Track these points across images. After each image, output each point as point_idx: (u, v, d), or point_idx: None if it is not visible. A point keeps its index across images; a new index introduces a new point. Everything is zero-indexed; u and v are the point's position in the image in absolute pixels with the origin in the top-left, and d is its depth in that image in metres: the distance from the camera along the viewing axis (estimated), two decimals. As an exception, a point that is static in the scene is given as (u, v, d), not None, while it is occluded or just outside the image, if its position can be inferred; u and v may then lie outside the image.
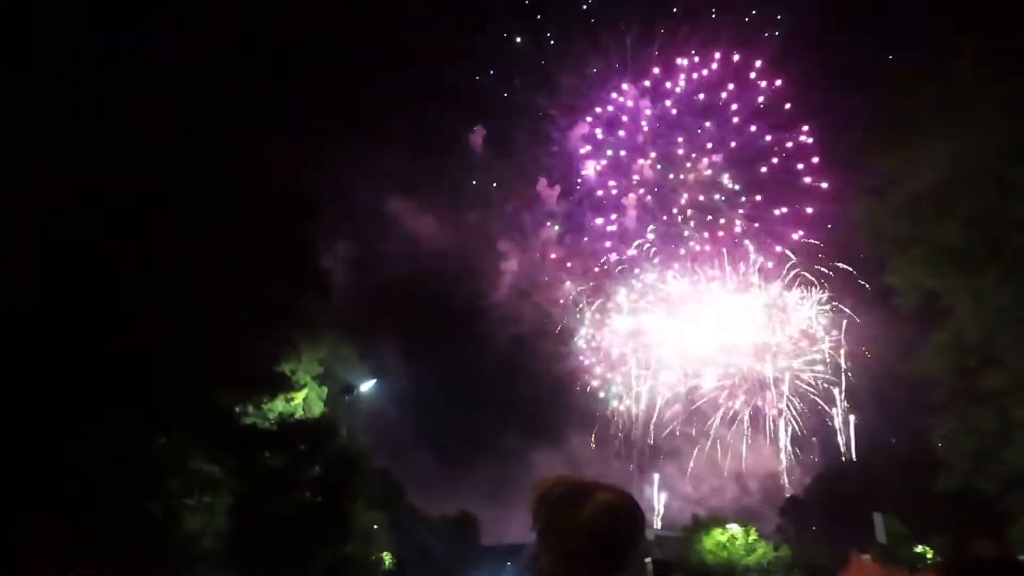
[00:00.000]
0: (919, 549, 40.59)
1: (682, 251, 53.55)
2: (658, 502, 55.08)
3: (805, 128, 52.59)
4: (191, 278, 25.19)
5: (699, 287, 53.18)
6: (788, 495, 52.73)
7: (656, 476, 55.18)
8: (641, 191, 53.90)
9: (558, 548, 2.36)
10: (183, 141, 26.86)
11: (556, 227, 54.42)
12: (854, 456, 50.84)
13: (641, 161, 54.11)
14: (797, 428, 53.27)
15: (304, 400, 31.51)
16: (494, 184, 54.42)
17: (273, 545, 25.29)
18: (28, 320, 20.68)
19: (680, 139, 53.05)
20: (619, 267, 54.05)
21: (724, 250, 52.01)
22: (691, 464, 54.83)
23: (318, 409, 32.15)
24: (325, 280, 33.02)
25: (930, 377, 28.48)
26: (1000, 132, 20.53)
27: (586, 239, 54.93)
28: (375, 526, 34.42)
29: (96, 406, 20.48)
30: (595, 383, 54.41)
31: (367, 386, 37.06)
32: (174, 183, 26.12)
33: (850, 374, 51.69)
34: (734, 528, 48.42)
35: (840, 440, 51.97)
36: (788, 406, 52.66)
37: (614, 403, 54.21)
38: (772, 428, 53.44)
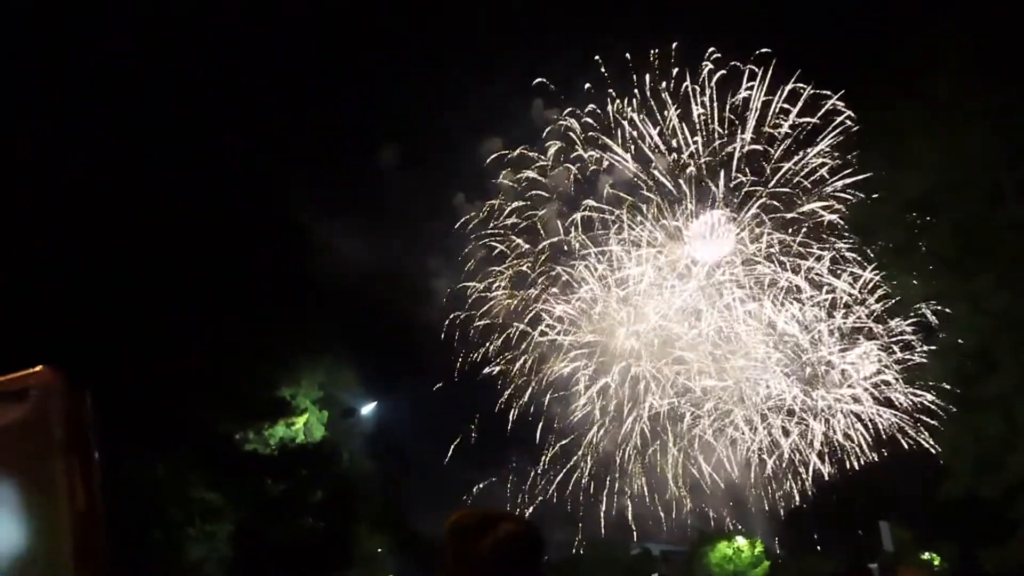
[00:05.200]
0: (926, 556, 40.50)
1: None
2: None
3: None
4: (190, 304, 25.27)
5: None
6: (792, 506, 52.47)
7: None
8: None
9: None
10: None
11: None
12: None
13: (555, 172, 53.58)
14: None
15: (305, 425, 31.41)
16: (411, 202, 54.15)
17: (276, 572, 25.17)
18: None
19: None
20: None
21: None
22: (667, 477, 53.98)
23: (319, 433, 32.03)
24: (323, 303, 33.12)
25: (932, 383, 28.54)
26: (987, 140, 20.78)
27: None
28: (379, 549, 34.23)
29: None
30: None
31: (368, 409, 36.97)
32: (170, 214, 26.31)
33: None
34: (740, 541, 48.32)
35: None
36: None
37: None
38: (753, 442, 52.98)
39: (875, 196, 26.86)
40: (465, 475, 51.27)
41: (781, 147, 50.35)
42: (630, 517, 52.31)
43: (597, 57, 49.47)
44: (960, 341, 25.42)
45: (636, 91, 51.24)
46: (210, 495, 24.30)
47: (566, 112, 52.37)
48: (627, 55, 50.14)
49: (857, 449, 50.81)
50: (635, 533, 52.23)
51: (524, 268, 52.56)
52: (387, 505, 33.24)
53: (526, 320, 52.81)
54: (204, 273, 26.27)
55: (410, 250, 55.36)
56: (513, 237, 53.23)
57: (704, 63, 49.94)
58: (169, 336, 24.38)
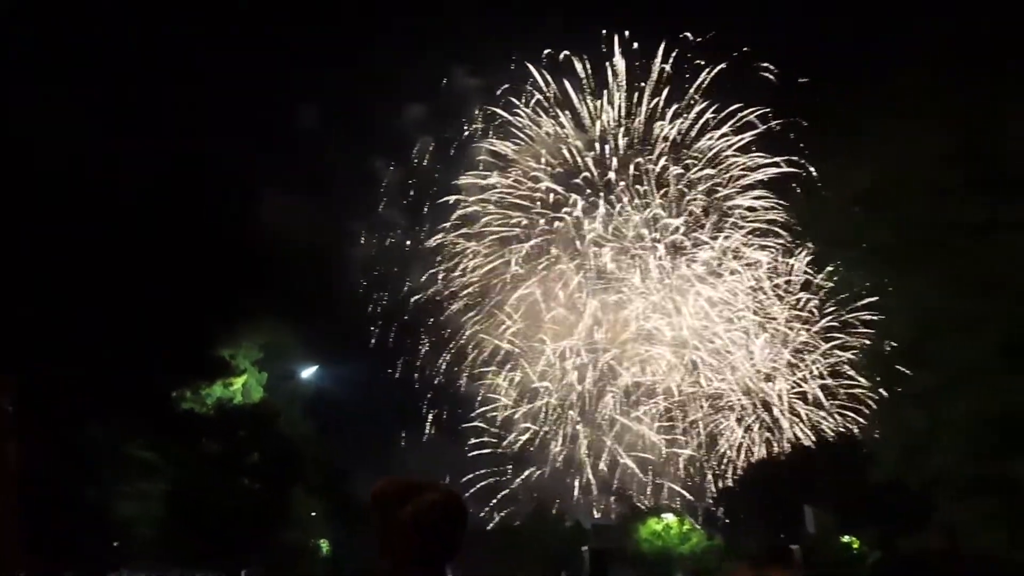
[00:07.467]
0: (846, 539, 42.06)
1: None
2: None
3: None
4: (126, 260, 24.48)
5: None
6: (722, 486, 54.01)
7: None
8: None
9: (388, 547, 2.43)
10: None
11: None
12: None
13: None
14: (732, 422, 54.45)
15: (243, 386, 30.89)
16: (331, 165, 54.61)
17: (210, 532, 24.80)
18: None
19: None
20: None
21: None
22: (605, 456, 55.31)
23: (257, 395, 31.55)
24: (264, 265, 32.38)
25: (862, 375, 29.50)
26: (939, 138, 21.30)
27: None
28: (312, 513, 33.99)
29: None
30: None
31: (308, 372, 36.44)
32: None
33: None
34: (669, 517, 49.48)
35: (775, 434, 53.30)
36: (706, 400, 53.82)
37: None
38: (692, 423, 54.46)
39: (822, 188, 27.47)
40: (403, 443, 51.58)
41: (721, 132, 51.46)
42: (570, 495, 53.79)
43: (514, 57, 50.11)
44: (893, 336, 26.22)
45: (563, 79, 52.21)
46: (145, 453, 23.78)
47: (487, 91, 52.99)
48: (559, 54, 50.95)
49: (785, 436, 52.62)
50: (558, 505, 53.86)
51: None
52: (324, 469, 32.97)
53: (453, 301, 53.61)
54: (140, 232, 25.46)
55: (348, 221, 55.13)
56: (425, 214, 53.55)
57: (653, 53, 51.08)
58: (103, 294, 23.61)
